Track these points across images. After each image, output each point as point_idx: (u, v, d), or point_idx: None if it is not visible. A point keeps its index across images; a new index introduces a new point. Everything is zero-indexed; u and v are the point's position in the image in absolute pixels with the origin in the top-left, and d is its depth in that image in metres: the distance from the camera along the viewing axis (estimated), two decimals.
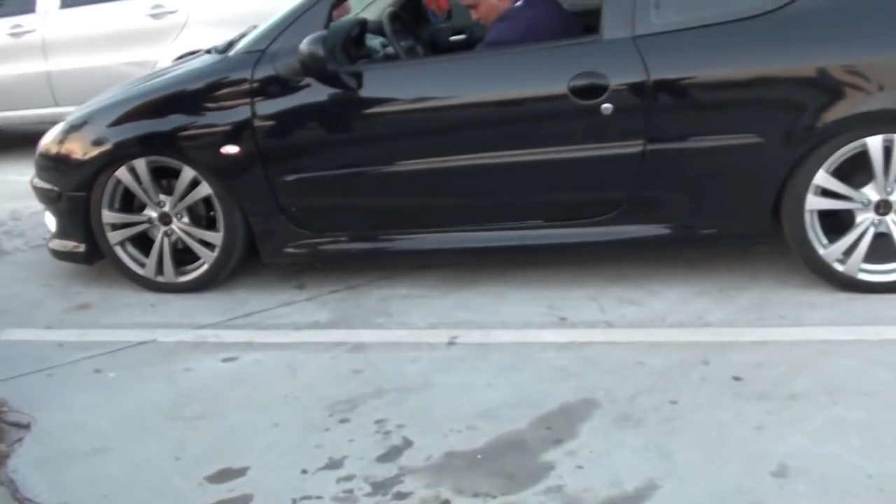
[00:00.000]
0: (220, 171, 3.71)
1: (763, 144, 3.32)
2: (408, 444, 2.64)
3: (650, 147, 3.38)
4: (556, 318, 3.46)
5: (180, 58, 5.24)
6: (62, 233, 4.05)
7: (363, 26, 4.11)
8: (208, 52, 4.02)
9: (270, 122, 3.61)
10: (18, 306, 3.93)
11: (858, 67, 3.25)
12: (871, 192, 3.36)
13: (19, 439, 2.83)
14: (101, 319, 3.75)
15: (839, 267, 3.44)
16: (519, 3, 3.71)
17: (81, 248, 3.99)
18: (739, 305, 3.44)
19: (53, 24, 6.49)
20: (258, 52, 3.62)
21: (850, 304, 3.36)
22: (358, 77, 3.55)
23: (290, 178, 3.65)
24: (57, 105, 6.36)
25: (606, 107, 3.29)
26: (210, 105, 3.70)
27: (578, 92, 3.30)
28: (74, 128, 3.94)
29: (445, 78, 3.55)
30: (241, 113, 3.63)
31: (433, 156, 3.54)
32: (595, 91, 3.30)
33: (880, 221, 3.38)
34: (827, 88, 3.26)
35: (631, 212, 3.50)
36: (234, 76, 3.66)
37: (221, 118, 3.68)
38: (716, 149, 3.37)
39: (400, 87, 3.56)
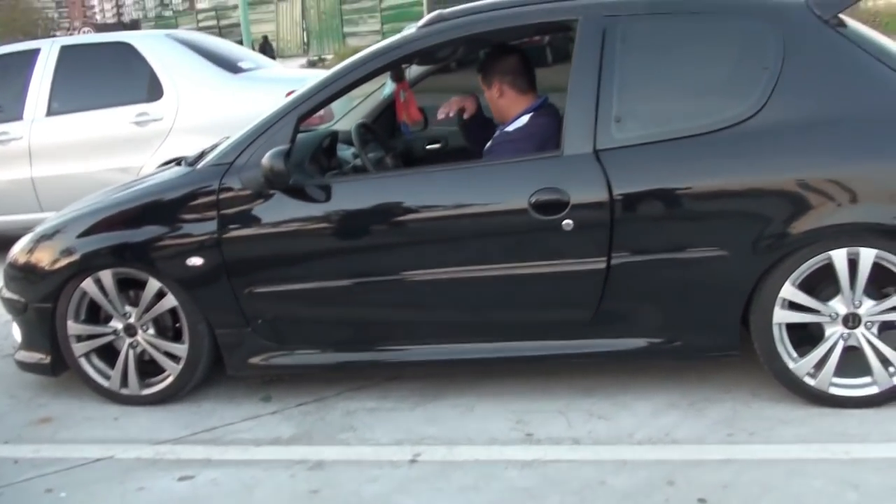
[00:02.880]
0: (185, 282, 3.68)
1: (728, 257, 3.31)
2: None
3: (614, 261, 3.35)
4: (523, 433, 3.39)
5: (165, 164, 5.27)
6: (28, 344, 4.01)
7: (334, 138, 4.15)
8: (178, 163, 4.04)
9: (236, 235, 3.60)
10: None
11: (822, 181, 3.25)
12: (838, 306, 3.32)
13: None
14: (60, 434, 3.67)
15: (810, 381, 3.39)
16: (525, 121, 3.73)
17: (47, 359, 3.94)
18: (709, 420, 3.37)
19: (39, 132, 6.55)
20: (226, 165, 3.63)
21: (821, 420, 3.30)
22: (323, 190, 3.55)
23: (254, 290, 3.62)
24: (41, 210, 6.37)
25: (567, 223, 3.28)
26: (176, 217, 3.70)
27: (539, 208, 3.30)
28: (43, 238, 3.93)
29: (407, 191, 3.55)
30: (208, 225, 3.62)
31: (396, 271, 3.52)
32: (556, 207, 3.29)
33: (849, 335, 3.33)
34: (791, 201, 3.26)
35: (597, 325, 3.46)
36: (202, 188, 3.67)
37: (187, 230, 3.67)
38: (680, 261, 3.35)
39: (362, 200, 3.55)
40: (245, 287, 3.64)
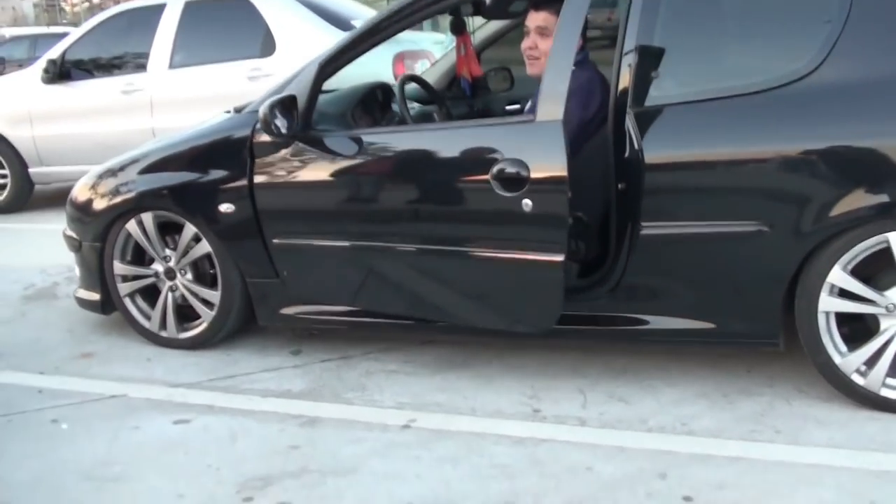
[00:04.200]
0: (218, 228, 3.67)
1: (769, 234, 2.95)
2: None
3: (643, 231, 3.07)
4: (531, 409, 3.17)
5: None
6: (83, 282, 4.13)
7: (385, 89, 4.02)
8: (227, 111, 4.03)
9: (264, 182, 3.54)
10: (29, 350, 4.01)
11: (880, 151, 2.84)
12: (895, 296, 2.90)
13: None
14: (93, 369, 3.76)
15: (859, 380, 2.99)
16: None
17: (98, 298, 4.04)
18: (738, 413, 3.04)
19: (161, 84, 6.78)
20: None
21: (863, 425, 2.91)
22: (333, 142, 3.42)
23: (278, 240, 3.56)
24: None
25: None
26: (212, 163, 3.69)
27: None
28: (96, 179, 4.03)
29: (396, 149, 3.37)
30: (241, 172, 3.58)
31: (384, 236, 3.36)
32: None
33: None
34: (844, 173, 2.87)
35: (622, 301, 3.19)
36: (238, 135, 3.63)
37: (221, 176, 3.64)
38: (715, 236, 3.02)
39: (351, 156, 3.38)
40: (272, 237, 3.58)
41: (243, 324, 3.86)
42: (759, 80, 2.96)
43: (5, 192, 7.36)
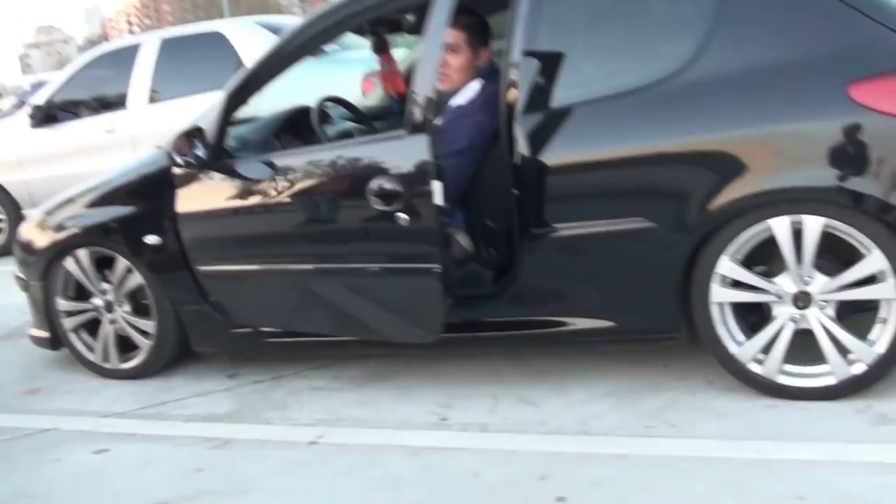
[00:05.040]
0: (147, 260, 3.77)
1: (656, 229, 2.95)
2: None
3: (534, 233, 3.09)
4: (438, 418, 3.20)
5: None
6: (34, 320, 4.25)
7: (305, 112, 4.09)
8: (158, 146, 4.12)
9: (185, 213, 3.63)
10: None
11: (756, 140, 2.82)
12: (785, 283, 2.88)
13: None
14: (36, 404, 3.87)
15: (756, 368, 2.97)
16: (475, 92, 3.45)
17: (46, 334, 4.16)
18: (640, 410, 3.04)
19: (141, 120, 6.94)
20: None
21: (760, 414, 2.89)
22: (225, 171, 3.51)
23: (203, 268, 3.64)
24: None
25: None
26: (139, 196, 3.80)
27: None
28: (35, 221, 4.15)
29: (282, 174, 3.41)
30: (163, 203, 3.67)
31: (279, 258, 3.46)
32: None
33: (801, 317, 2.88)
34: (722, 164, 2.86)
35: (522, 304, 3.21)
36: (159, 168, 3.73)
37: (148, 209, 3.75)
38: (605, 235, 3.03)
39: (248, 184, 3.45)
40: (197, 265, 3.66)
41: (182, 351, 3.94)
42: (637, 79, 2.97)
43: (3, 236, 7.57)
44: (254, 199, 3.46)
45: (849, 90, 2.67)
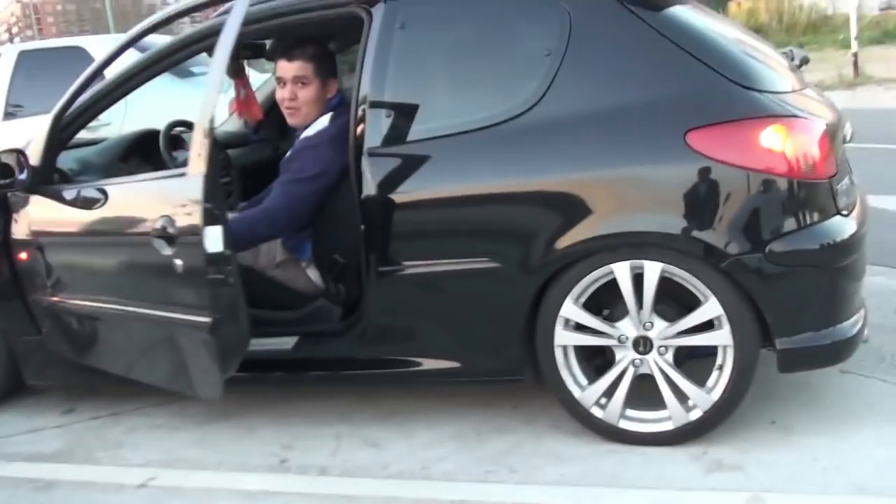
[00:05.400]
0: None
1: (500, 270, 2.92)
2: None
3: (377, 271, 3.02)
4: (278, 460, 3.09)
5: None
6: None
7: (152, 137, 3.92)
8: None
9: (15, 239, 3.43)
10: None
11: (599, 183, 2.83)
12: (626, 327, 2.89)
13: None
14: None
15: (598, 413, 2.96)
16: (325, 125, 3.36)
17: None
18: (482, 454, 3.00)
19: None
20: None
21: (602, 460, 2.88)
22: (50, 196, 3.34)
23: (33, 297, 3.45)
24: None
25: None
26: None
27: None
28: None
29: (88, 205, 3.22)
30: None
31: (86, 293, 3.30)
32: None
33: (642, 361, 2.89)
34: (564, 207, 2.85)
35: (367, 345, 3.13)
36: None
37: None
38: (448, 274, 2.99)
39: (68, 211, 3.27)
40: (29, 293, 3.46)
41: (14, 385, 3.71)
42: (482, 117, 2.94)
43: None
44: (67, 229, 3.29)
45: (686, 137, 2.70)
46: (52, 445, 3.37)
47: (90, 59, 6.51)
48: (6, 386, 3.72)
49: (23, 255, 3.42)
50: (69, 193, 3.28)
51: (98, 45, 6.72)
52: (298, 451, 3.14)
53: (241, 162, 4.17)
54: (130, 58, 3.60)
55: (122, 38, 3.43)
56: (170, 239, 2.79)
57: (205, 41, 3.36)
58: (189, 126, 4.08)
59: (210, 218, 2.69)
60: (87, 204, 3.19)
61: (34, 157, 3.31)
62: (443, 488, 2.79)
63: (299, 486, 2.89)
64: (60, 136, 3.38)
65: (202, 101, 2.74)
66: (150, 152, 3.93)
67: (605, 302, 2.95)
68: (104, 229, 3.16)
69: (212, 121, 2.72)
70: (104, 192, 3.16)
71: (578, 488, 2.71)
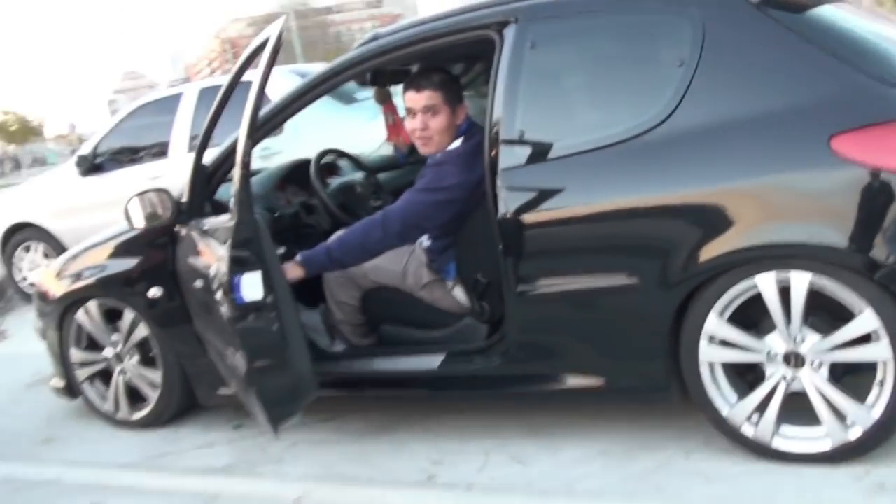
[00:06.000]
0: (152, 312, 3.81)
1: (639, 286, 2.87)
2: None
3: (518, 290, 3.04)
4: (427, 476, 3.15)
5: None
6: (54, 369, 4.33)
7: (300, 166, 4.11)
8: None
9: (179, 269, 3.67)
10: (2, 437, 4.22)
11: (739, 194, 2.73)
12: (775, 342, 2.77)
13: None
14: (47, 453, 3.94)
15: (750, 431, 2.85)
16: (457, 144, 3.41)
17: (62, 384, 4.23)
18: (629, 471, 2.95)
19: (181, 168, 7.07)
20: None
21: (753, 480, 2.77)
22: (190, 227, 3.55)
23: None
24: None
25: None
26: (146, 249, 3.84)
27: None
28: (51, 272, 4.24)
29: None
30: (165, 257, 3.73)
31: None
32: None
33: (794, 377, 2.76)
34: (705, 219, 2.77)
35: (511, 362, 3.15)
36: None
37: (152, 262, 3.79)
38: (587, 292, 2.96)
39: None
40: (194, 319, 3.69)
41: (190, 402, 3.96)
42: (615, 132, 2.90)
43: None
44: (193, 261, 3.48)
45: (831, 142, 2.57)
46: (221, 460, 3.57)
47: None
48: (182, 403, 3.97)
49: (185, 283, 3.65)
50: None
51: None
52: (446, 467, 3.18)
53: (392, 185, 4.30)
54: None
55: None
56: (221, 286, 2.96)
57: (353, 69, 3.48)
58: (339, 154, 4.25)
59: (240, 265, 2.84)
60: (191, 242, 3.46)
61: (186, 192, 3.54)
62: None
63: (445, 502, 2.93)
64: (206, 171, 3.59)
65: (239, 142, 2.93)
66: (305, 180, 4.12)
67: (754, 316, 2.83)
68: (196, 267, 3.38)
69: (246, 163, 2.93)
70: (201, 232, 3.38)
71: None
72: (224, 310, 2.94)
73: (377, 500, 3.02)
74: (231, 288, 2.84)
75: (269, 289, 2.88)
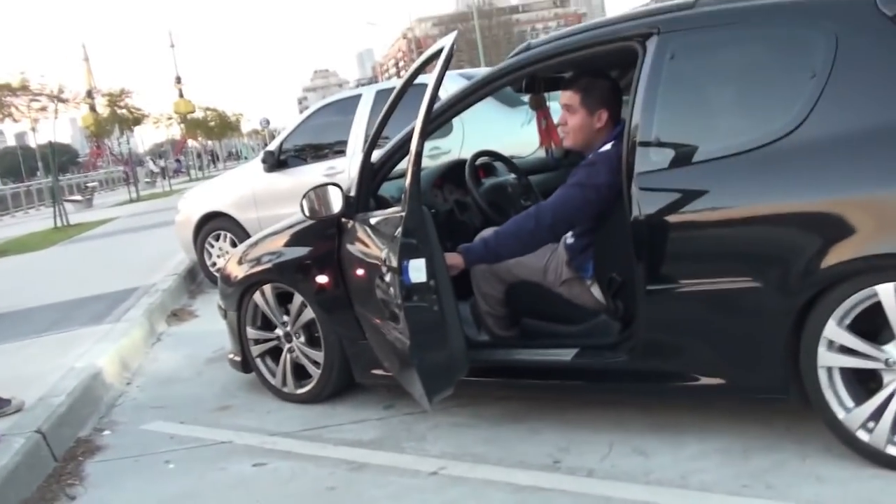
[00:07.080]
0: (316, 297, 4.22)
1: (762, 289, 3.00)
2: None
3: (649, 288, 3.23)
4: (552, 460, 3.39)
5: None
6: (231, 345, 4.83)
7: (456, 166, 4.41)
8: None
9: (344, 257, 4.05)
10: (184, 403, 4.77)
11: (863, 203, 2.83)
12: (894, 351, 2.84)
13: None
14: (223, 419, 4.42)
15: (864, 436, 2.93)
16: (606, 149, 3.61)
17: (239, 359, 4.73)
18: (743, 469, 3.08)
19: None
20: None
21: (863, 485, 2.85)
22: (362, 223, 3.87)
23: (360, 309, 4.04)
24: None
25: None
26: (316, 238, 4.24)
27: None
28: (233, 258, 4.74)
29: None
30: (331, 247, 4.11)
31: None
32: None
33: None
34: (827, 227, 2.87)
35: (635, 361, 3.34)
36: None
37: (320, 251, 4.20)
38: (713, 293, 3.12)
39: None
40: (356, 305, 4.07)
41: (349, 380, 4.35)
42: (746, 140, 3.05)
43: None
44: (358, 251, 3.84)
45: None
46: (370, 434, 3.93)
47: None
48: (341, 382, 4.36)
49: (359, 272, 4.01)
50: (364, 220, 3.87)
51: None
52: (572, 454, 3.40)
53: (543, 187, 4.54)
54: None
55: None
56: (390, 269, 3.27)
57: (508, 77, 3.76)
58: (493, 156, 4.53)
59: (409, 252, 3.15)
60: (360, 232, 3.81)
61: (354, 187, 3.90)
62: (695, 498, 2.93)
63: (564, 485, 3.16)
64: (373, 169, 3.94)
65: (413, 140, 3.25)
66: (460, 179, 4.43)
67: (879, 323, 2.91)
68: (361, 256, 3.75)
69: (417, 160, 3.23)
70: (367, 224, 3.73)
71: None
72: (392, 291, 3.27)
73: (504, 479, 3.27)
74: (400, 271, 3.18)
75: (432, 274, 3.21)
